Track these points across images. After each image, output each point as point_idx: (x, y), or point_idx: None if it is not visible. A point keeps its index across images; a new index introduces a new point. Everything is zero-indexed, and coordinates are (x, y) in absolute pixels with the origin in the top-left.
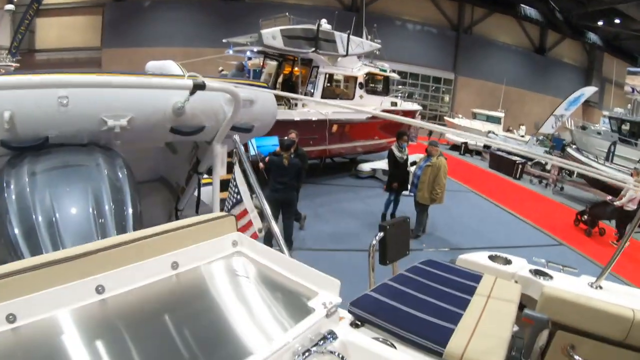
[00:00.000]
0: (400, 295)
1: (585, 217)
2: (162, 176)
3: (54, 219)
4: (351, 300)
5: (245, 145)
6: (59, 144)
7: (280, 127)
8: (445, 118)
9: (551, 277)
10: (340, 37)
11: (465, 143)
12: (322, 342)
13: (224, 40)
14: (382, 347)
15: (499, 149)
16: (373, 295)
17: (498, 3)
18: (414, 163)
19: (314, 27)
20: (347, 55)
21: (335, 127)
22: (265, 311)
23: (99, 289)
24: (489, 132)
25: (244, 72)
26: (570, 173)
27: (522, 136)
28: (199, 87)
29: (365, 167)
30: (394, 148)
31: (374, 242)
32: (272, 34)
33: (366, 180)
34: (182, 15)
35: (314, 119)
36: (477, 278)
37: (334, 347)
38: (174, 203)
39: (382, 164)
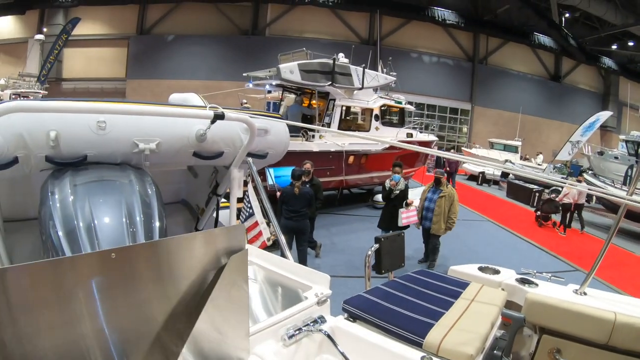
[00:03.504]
0: (390, 296)
1: (539, 213)
2: (183, 199)
3: (92, 224)
4: (345, 299)
5: (264, 174)
6: (95, 162)
7: (298, 158)
8: (463, 148)
9: (536, 285)
10: (355, 70)
11: (483, 173)
12: (312, 323)
13: (244, 74)
14: (365, 331)
15: (516, 178)
16: (365, 296)
17: (512, 33)
18: (404, 201)
19: (330, 61)
20: (362, 88)
21: (351, 159)
22: (270, 301)
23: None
24: (506, 161)
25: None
26: (589, 199)
27: (539, 164)
28: (218, 117)
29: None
30: (387, 181)
31: (370, 252)
32: (290, 69)
33: None
34: (203, 49)
35: (331, 150)
36: (464, 285)
37: (325, 329)
38: (194, 224)
39: None
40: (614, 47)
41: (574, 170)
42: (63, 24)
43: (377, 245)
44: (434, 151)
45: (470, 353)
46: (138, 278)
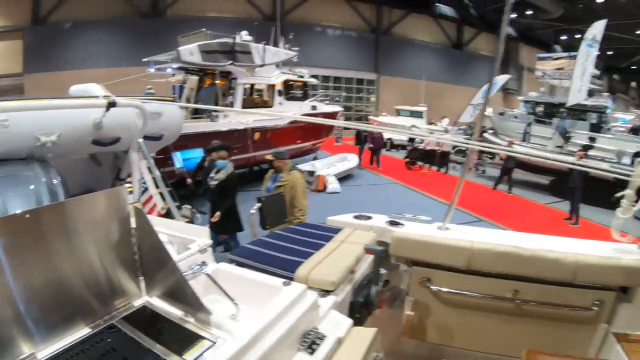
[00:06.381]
0: (269, 245)
1: (408, 160)
2: (90, 188)
3: None
4: (230, 252)
5: (171, 159)
6: (2, 159)
7: (205, 139)
8: (370, 117)
9: (403, 225)
10: (256, 48)
11: (390, 139)
12: (195, 267)
13: (144, 60)
14: (242, 270)
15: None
16: (248, 246)
17: (414, 4)
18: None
19: (230, 40)
20: (264, 64)
21: (257, 135)
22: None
23: None
24: (412, 126)
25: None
26: (492, 156)
27: (445, 127)
28: (111, 104)
29: None
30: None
31: (252, 211)
32: (190, 50)
33: None
34: (104, 35)
35: (236, 128)
36: (337, 231)
37: (208, 272)
38: None
39: (308, 166)
40: (513, 15)
41: None
42: None
43: (259, 204)
44: (335, 122)
45: (332, 280)
46: (46, 237)
